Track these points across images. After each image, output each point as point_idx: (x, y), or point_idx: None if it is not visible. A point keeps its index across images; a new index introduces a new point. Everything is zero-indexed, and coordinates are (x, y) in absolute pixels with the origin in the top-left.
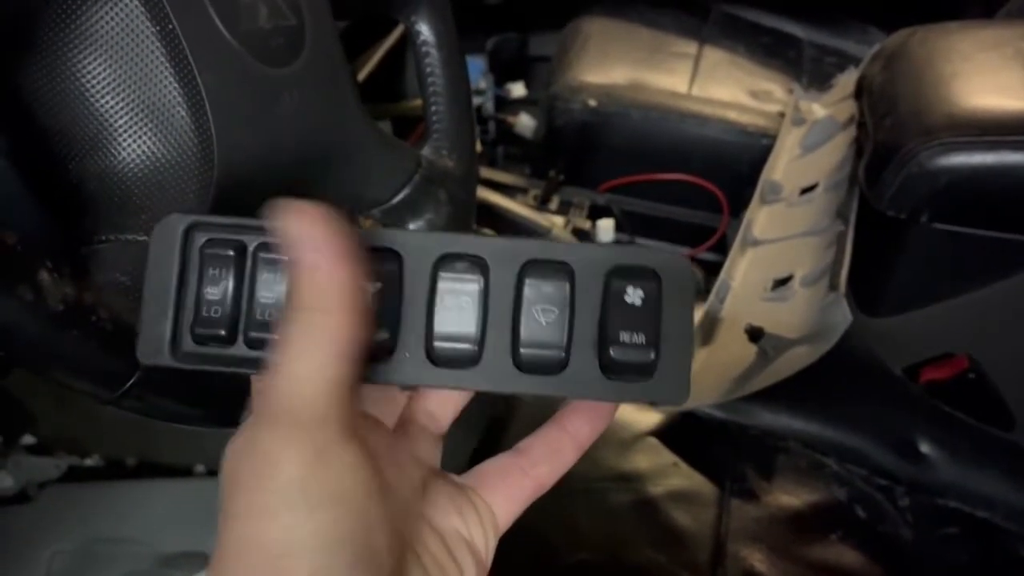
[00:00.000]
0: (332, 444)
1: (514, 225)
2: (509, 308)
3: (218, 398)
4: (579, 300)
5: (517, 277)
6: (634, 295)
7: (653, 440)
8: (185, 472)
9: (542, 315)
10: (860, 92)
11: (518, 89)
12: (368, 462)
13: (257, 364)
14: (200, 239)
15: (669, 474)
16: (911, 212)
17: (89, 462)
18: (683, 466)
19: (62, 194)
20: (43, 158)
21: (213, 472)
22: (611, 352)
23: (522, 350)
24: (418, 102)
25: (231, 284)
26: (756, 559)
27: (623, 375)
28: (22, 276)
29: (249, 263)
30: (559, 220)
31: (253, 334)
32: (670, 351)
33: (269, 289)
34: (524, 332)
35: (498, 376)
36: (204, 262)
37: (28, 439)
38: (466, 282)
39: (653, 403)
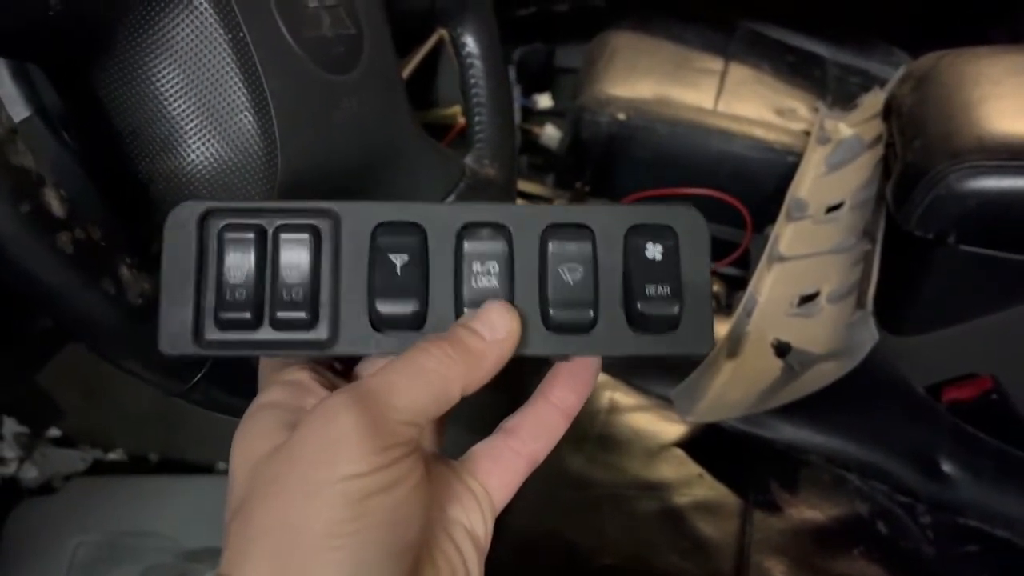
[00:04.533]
0: (399, 466)
1: None
2: (535, 271)
3: None
4: (602, 259)
5: (540, 240)
6: (654, 250)
7: (678, 451)
8: (207, 469)
9: (568, 274)
10: (888, 113)
11: (544, 100)
12: (424, 475)
13: (284, 346)
14: (216, 224)
15: (694, 484)
16: (938, 233)
17: (113, 456)
18: (708, 477)
19: (132, 193)
20: (114, 158)
21: None
22: (638, 306)
23: (552, 311)
24: (448, 110)
25: (254, 266)
26: (779, 571)
27: (651, 328)
28: (105, 270)
29: (270, 245)
30: None
31: (280, 315)
32: (692, 302)
33: (294, 269)
34: (552, 293)
35: (530, 339)
36: (224, 247)
37: (54, 432)
38: (491, 248)
39: (680, 355)
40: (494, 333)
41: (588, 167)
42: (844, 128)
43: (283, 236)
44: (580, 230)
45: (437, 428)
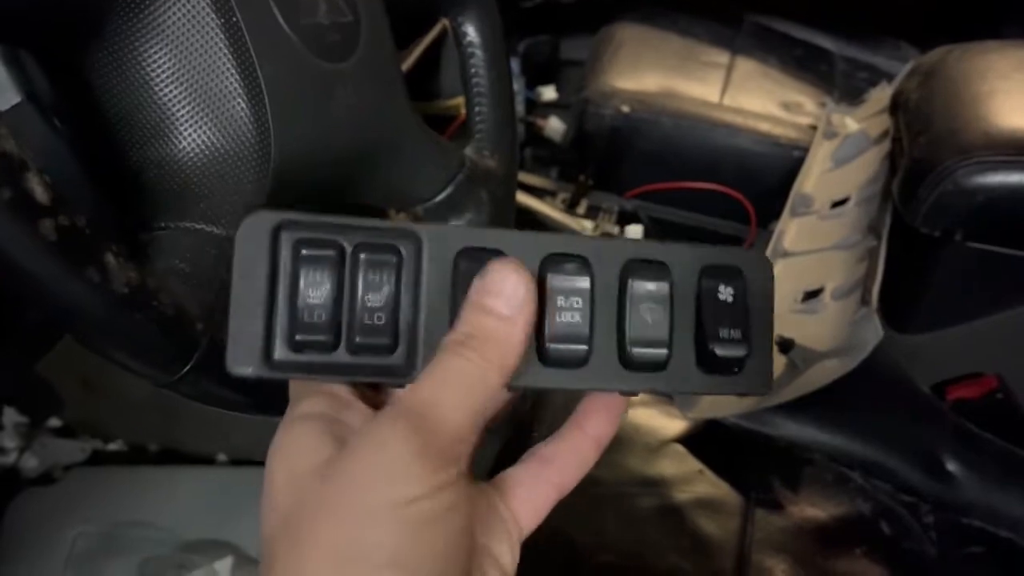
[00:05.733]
0: (452, 479)
1: (544, 228)
2: (614, 308)
3: (271, 387)
4: (677, 298)
5: (620, 277)
6: (726, 292)
7: (679, 447)
8: (207, 460)
9: (648, 314)
10: (896, 108)
11: (549, 92)
12: (468, 500)
13: (359, 371)
14: (291, 238)
15: (694, 481)
16: (945, 230)
17: (113, 446)
18: (708, 474)
19: (122, 181)
20: (105, 145)
21: (235, 461)
22: (711, 348)
23: (631, 348)
24: (451, 102)
25: (334, 287)
26: (780, 570)
27: (718, 369)
28: (90, 258)
29: (349, 264)
30: (588, 224)
31: (359, 339)
32: (758, 346)
33: (375, 292)
34: (631, 331)
35: (606, 375)
36: (300, 264)
37: (54, 422)
38: (575, 284)
39: (742, 395)
40: (512, 305)
41: (592, 160)
42: (851, 123)
43: (363, 257)
44: (659, 268)
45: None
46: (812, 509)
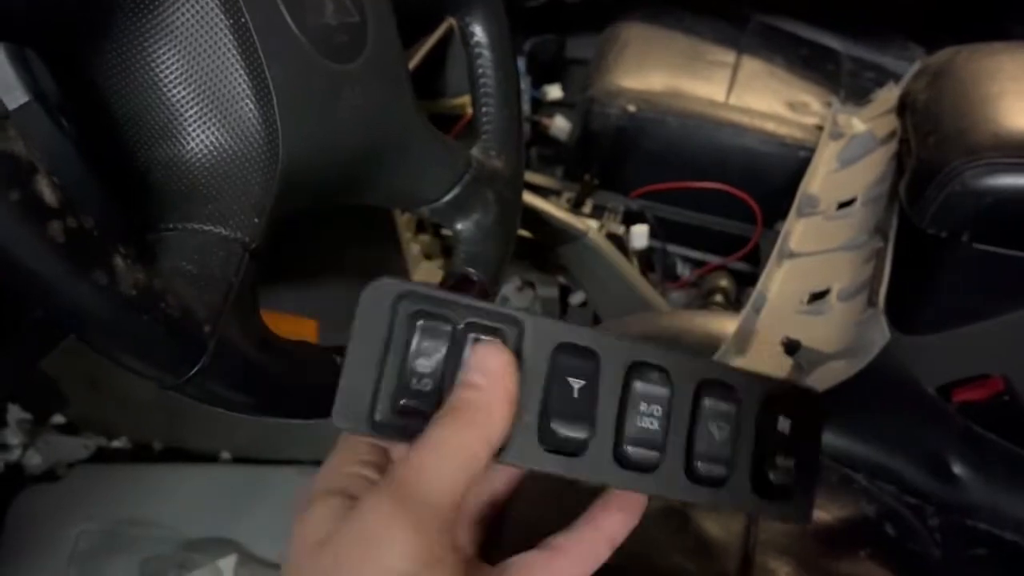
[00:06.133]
0: (445, 551)
1: (550, 227)
2: (686, 421)
3: (276, 390)
4: (742, 422)
5: (695, 392)
6: (784, 423)
7: None
8: (211, 458)
9: (717, 432)
10: (903, 108)
11: (554, 91)
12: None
13: None
14: (408, 308)
15: None
16: (952, 231)
17: (116, 444)
18: None
19: (129, 181)
20: (112, 145)
21: (239, 459)
22: (768, 474)
23: (697, 463)
24: (457, 101)
25: (444, 359)
26: (784, 572)
27: (769, 494)
28: (97, 260)
29: (457, 340)
30: (594, 224)
31: None
32: (805, 477)
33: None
34: (700, 445)
35: (672, 484)
36: (416, 333)
37: (58, 419)
38: (657, 392)
39: (786, 521)
40: (488, 374)
41: (597, 159)
42: (857, 123)
43: (471, 336)
44: (729, 390)
45: (479, 528)
46: (816, 511)
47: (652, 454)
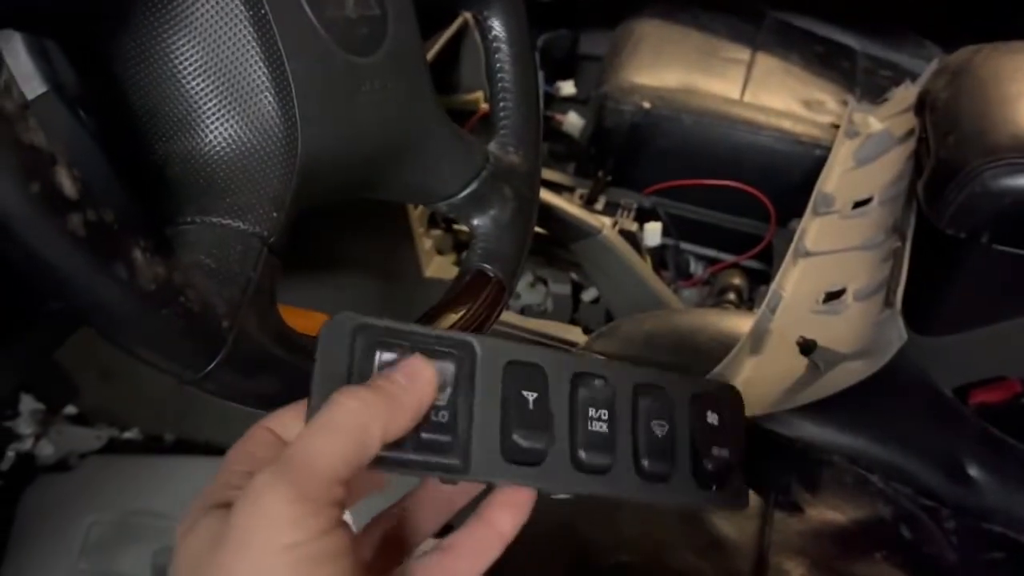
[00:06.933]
0: (331, 524)
1: (563, 224)
2: (629, 423)
3: (292, 385)
4: (677, 419)
5: (632, 396)
6: (712, 417)
7: None
8: (223, 451)
9: (658, 430)
10: (922, 107)
11: (567, 87)
12: (352, 551)
13: (420, 466)
14: (366, 339)
15: None
16: (971, 232)
17: (128, 435)
18: None
19: (147, 175)
20: (130, 138)
21: None
22: (705, 464)
23: (644, 461)
24: (470, 96)
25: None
26: (798, 573)
27: (708, 484)
28: (117, 254)
29: None
30: (607, 221)
31: (425, 436)
32: (735, 464)
33: (441, 393)
34: (644, 444)
35: (624, 484)
36: (374, 362)
37: (70, 410)
38: (600, 397)
39: (726, 508)
40: (412, 378)
41: (610, 156)
42: (874, 122)
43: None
44: (661, 391)
45: (389, 553)
46: (831, 512)
47: (605, 457)
